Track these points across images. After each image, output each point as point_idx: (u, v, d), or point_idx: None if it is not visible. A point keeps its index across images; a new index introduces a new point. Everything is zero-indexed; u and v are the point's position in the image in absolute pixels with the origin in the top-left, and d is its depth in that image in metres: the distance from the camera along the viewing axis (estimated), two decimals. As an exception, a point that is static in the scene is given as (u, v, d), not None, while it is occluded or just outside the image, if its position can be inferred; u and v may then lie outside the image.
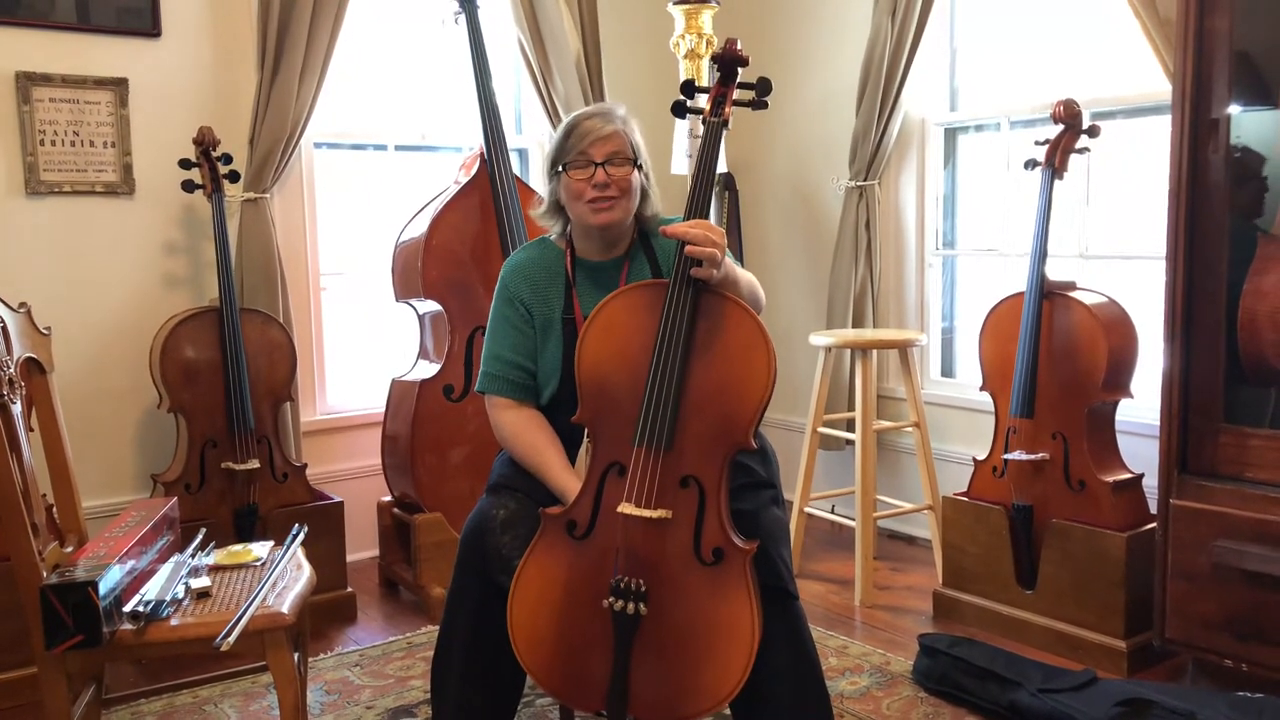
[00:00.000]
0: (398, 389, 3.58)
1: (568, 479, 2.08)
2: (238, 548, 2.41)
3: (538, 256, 2.26)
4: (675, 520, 1.92)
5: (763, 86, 2.14)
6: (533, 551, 2.00)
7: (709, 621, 1.89)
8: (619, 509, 1.93)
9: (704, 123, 2.10)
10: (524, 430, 2.16)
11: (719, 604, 1.88)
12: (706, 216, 2.02)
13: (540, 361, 2.20)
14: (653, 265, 2.20)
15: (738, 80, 2.13)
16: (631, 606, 1.89)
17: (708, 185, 2.04)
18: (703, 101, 2.14)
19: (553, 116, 4.02)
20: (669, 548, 1.92)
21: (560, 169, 2.13)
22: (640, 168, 2.14)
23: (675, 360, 1.92)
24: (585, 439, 2.12)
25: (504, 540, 2.05)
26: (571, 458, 2.09)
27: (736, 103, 2.13)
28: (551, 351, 2.18)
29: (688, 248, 1.93)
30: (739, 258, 4.48)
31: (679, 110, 2.18)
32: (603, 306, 2.03)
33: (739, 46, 2.12)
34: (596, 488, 1.99)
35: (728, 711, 2.00)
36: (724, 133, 2.11)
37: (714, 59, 2.15)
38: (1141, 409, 3.17)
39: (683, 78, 3.95)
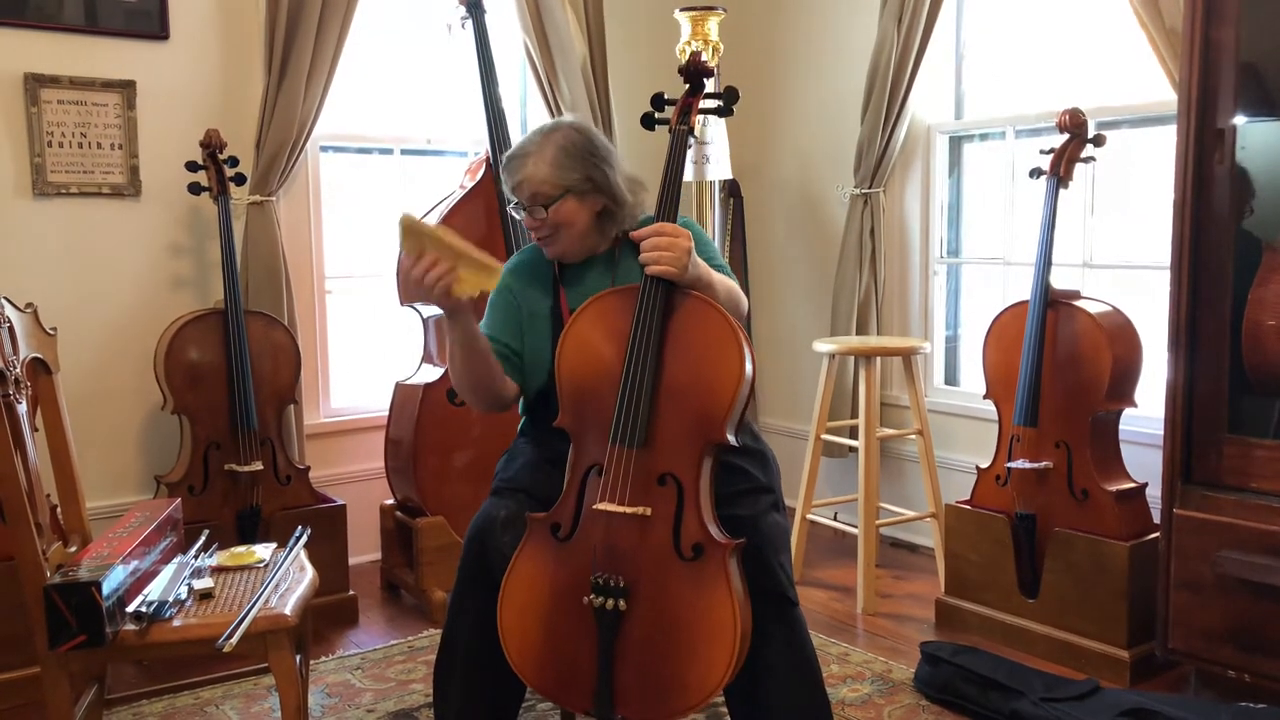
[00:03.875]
0: (401, 392, 3.58)
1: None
2: (240, 549, 2.41)
3: (530, 257, 2.31)
4: (654, 517, 1.94)
5: (729, 95, 2.22)
6: (519, 555, 2.02)
7: (691, 617, 1.89)
8: (596, 505, 1.95)
9: (670, 131, 2.17)
10: None
11: (700, 600, 1.89)
12: (674, 219, 2.07)
13: (527, 352, 2.22)
14: None
15: (704, 91, 2.21)
16: (611, 603, 1.91)
17: (675, 189, 2.11)
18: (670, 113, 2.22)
19: (559, 121, 4.02)
20: (648, 544, 1.93)
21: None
22: (581, 193, 2.13)
23: (647, 358, 1.96)
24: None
25: (505, 540, 2.07)
26: (564, 453, 2.10)
27: (703, 110, 2.22)
28: (539, 343, 2.21)
29: (641, 245, 1.99)
30: (743, 264, 4.49)
31: (648, 123, 2.25)
32: (580, 313, 2.07)
33: (704, 58, 2.23)
34: (578, 490, 2.01)
35: (722, 706, 2.00)
36: (690, 140, 2.18)
37: (680, 71, 2.23)
38: (1145, 418, 3.16)
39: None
